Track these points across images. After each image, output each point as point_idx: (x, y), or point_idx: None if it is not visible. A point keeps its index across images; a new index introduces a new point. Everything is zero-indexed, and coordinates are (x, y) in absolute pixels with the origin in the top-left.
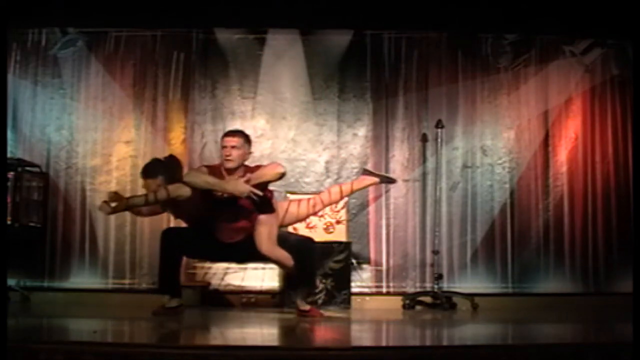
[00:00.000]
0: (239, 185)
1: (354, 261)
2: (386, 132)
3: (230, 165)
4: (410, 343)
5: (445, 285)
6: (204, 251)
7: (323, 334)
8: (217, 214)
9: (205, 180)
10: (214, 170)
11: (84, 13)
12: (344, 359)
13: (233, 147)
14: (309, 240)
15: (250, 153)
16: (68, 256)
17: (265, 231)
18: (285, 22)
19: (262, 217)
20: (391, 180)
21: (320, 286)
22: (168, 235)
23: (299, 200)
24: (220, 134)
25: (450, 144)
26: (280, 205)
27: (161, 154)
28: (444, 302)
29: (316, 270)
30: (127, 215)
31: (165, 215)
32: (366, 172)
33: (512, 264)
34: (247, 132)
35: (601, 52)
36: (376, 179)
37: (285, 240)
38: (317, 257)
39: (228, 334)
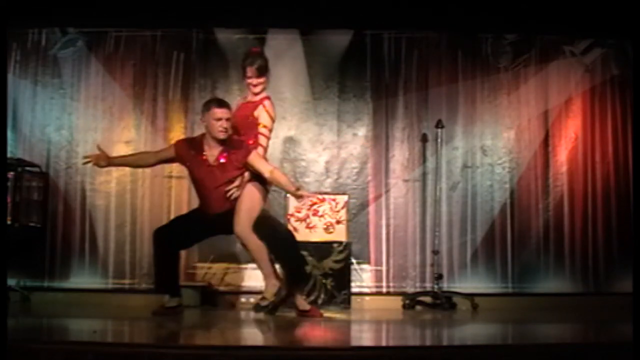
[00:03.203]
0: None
1: (354, 261)
2: (386, 132)
3: (222, 136)
4: (410, 343)
5: (445, 285)
6: (194, 234)
7: (323, 334)
8: (206, 181)
9: None
10: (195, 142)
11: (84, 13)
12: (344, 359)
13: (227, 119)
14: (292, 233)
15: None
16: (68, 256)
17: (246, 204)
18: (285, 22)
19: (247, 191)
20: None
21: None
22: (159, 234)
23: None
24: None
25: (450, 144)
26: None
27: None
28: (444, 302)
29: (304, 263)
30: (127, 215)
31: (165, 215)
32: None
33: (512, 264)
34: None
35: (601, 52)
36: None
37: (274, 229)
38: (299, 251)
39: (228, 334)
